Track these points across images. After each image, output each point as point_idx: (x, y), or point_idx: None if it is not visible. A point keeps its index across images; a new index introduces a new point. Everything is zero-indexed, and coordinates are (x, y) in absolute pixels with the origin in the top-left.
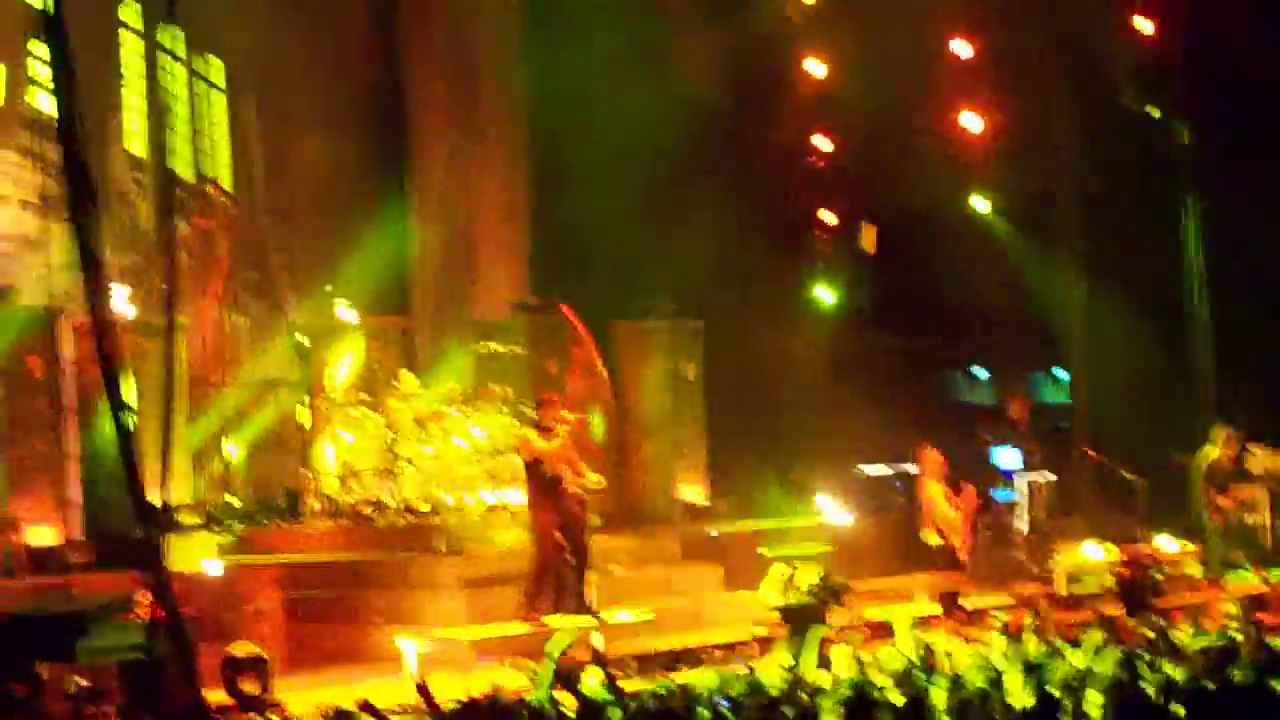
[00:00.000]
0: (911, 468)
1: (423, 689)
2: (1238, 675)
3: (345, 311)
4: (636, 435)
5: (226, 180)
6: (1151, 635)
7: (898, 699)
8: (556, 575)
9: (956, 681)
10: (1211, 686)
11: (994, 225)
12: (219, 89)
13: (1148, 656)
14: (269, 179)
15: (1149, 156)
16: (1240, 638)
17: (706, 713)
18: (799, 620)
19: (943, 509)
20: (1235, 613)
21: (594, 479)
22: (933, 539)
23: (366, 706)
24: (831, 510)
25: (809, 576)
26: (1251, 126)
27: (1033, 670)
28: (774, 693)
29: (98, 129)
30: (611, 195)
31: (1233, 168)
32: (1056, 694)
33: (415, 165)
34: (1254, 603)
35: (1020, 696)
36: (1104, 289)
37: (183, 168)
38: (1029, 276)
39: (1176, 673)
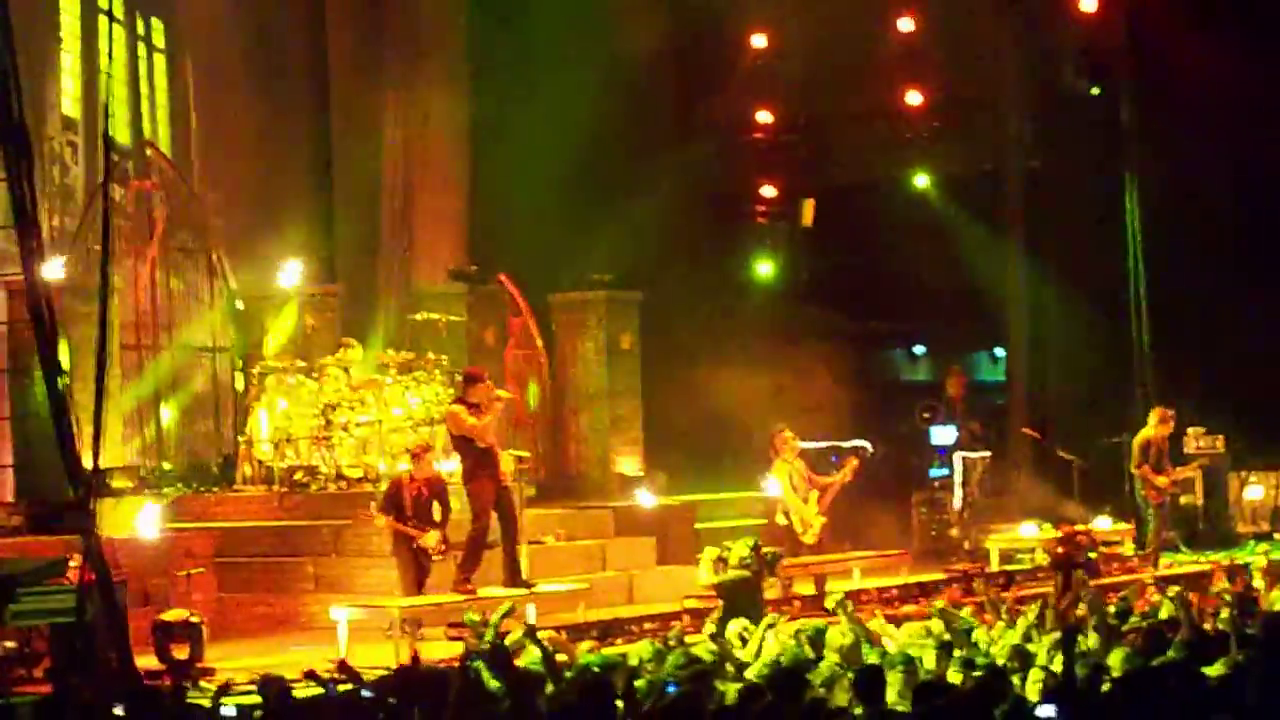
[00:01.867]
0: (847, 443)
1: (343, 665)
2: (1170, 656)
3: (285, 275)
4: (572, 406)
5: (165, 143)
6: (1085, 615)
7: (824, 671)
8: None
9: (893, 658)
10: (1144, 667)
11: (935, 202)
12: (160, 51)
13: (1082, 636)
14: (208, 142)
15: (1090, 136)
16: (1176, 617)
17: (642, 683)
18: (733, 594)
19: (786, 492)
20: (1169, 594)
21: (511, 456)
22: (780, 520)
23: (311, 675)
24: (767, 484)
25: (741, 549)
26: (1192, 106)
27: (966, 649)
28: (704, 665)
29: (34, 90)
30: (552, 166)
31: (1173, 147)
32: (979, 670)
33: (354, 132)
34: (1187, 584)
35: (954, 675)
36: (1044, 268)
37: (120, 130)
38: (969, 254)
39: (1113, 655)
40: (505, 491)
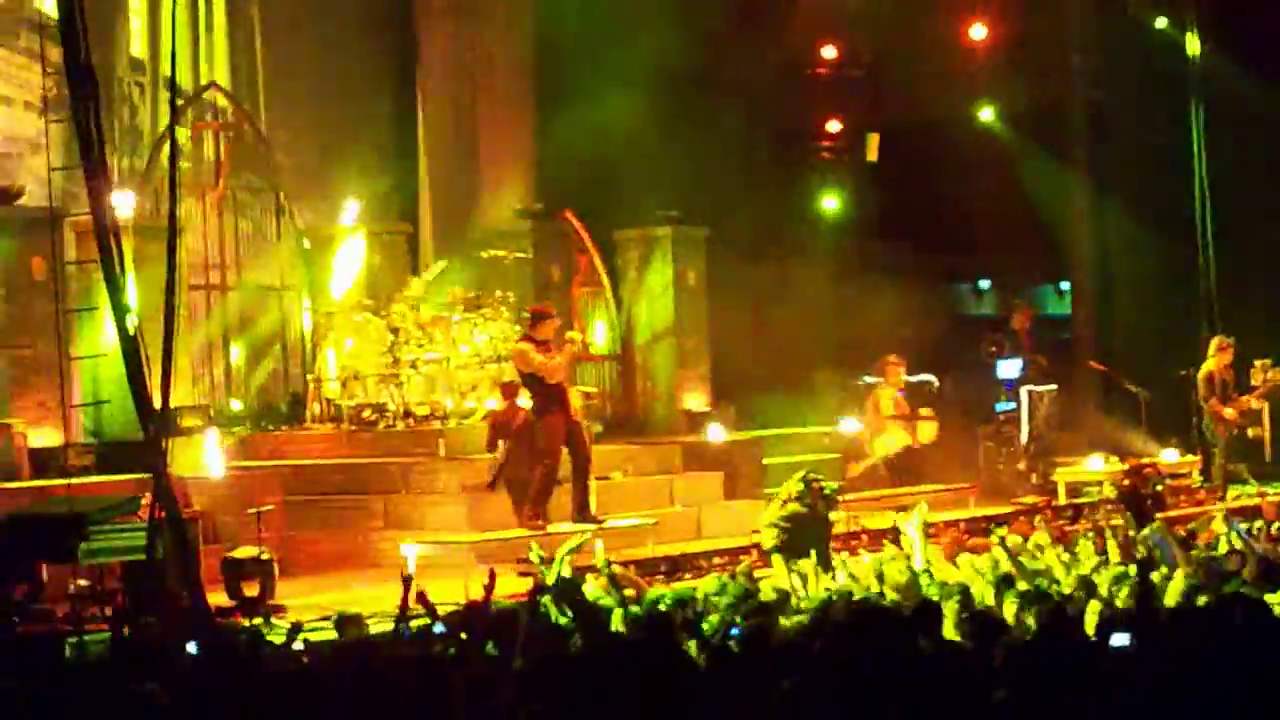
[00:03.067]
0: (913, 377)
1: (422, 597)
2: (1237, 589)
3: (351, 213)
4: (639, 343)
5: (227, 82)
6: (1151, 547)
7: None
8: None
9: (950, 588)
10: (1210, 600)
11: (1000, 136)
12: None
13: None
14: (272, 81)
15: (1156, 67)
16: (1238, 549)
17: (714, 619)
18: (798, 529)
19: (869, 415)
20: (1232, 524)
21: (579, 392)
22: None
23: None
24: (840, 420)
25: (793, 484)
26: (1259, 36)
27: (1029, 581)
28: (766, 602)
29: (103, 30)
30: (617, 103)
31: (1239, 78)
32: (1042, 603)
33: (421, 69)
34: (1254, 516)
35: (1010, 607)
36: (1110, 200)
37: (183, 71)
38: (1034, 188)
39: (1175, 585)
40: (575, 427)
